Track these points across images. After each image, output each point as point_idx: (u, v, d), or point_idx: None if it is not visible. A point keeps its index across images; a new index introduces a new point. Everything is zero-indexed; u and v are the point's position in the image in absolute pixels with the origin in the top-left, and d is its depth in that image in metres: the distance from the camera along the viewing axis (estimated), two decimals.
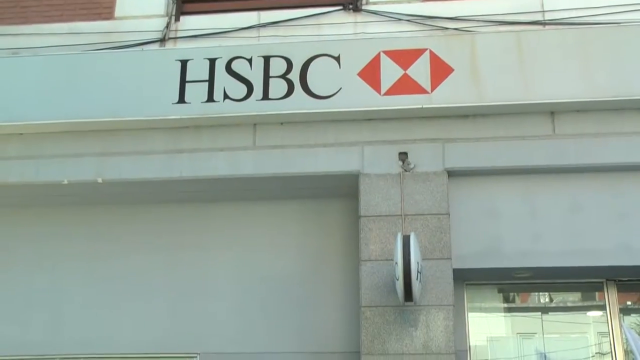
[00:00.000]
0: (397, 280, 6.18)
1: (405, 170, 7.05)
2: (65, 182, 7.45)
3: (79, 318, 7.55)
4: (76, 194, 7.68)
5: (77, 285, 7.68)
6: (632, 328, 7.31)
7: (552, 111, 7.13)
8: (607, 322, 7.20)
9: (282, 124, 7.36)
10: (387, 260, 6.68)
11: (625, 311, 7.52)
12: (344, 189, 7.32)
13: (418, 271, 6.17)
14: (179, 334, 7.36)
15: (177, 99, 7.36)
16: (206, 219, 7.73)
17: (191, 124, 7.41)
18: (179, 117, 7.33)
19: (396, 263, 6.16)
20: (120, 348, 7.41)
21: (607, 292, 7.26)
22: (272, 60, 7.40)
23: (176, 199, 7.71)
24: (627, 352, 6.94)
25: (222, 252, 7.59)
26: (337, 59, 7.32)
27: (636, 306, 7.78)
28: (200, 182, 7.37)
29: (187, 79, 7.43)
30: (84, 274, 7.70)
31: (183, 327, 7.38)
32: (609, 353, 7.15)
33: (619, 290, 7.29)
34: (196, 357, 7.34)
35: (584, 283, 7.45)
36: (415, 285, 6.16)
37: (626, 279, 7.27)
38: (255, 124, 7.40)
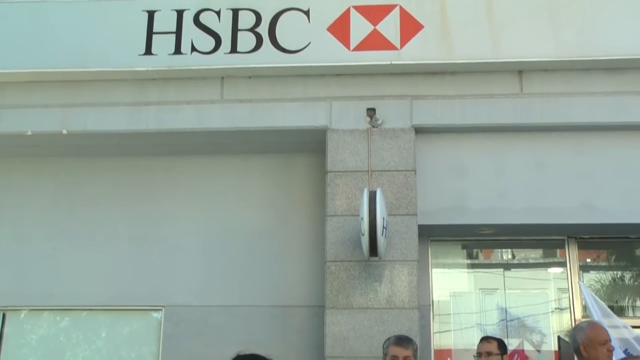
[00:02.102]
0: (363, 235, 6.22)
1: (373, 126, 7.04)
2: (29, 133, 7.34)
3: (44, 270, 7.51)
4: (40, 145, 7.57)
5: (41, 237, 7.62)
6: (591, 285, 7.47)
7: (520, 70, 7.16)
8: (567, 279, 7.35)
9: (250, 77, 7.30)
10: (353, 215, 6.71)
11: (584, 268, 7.68)
12: (312, 144, 7.32)
13: (383, 227, 6.22)
14: (144, 287, 7.36)
15: (143, 51, 7.25)
16: (172, 172, 7.68)
17: (158, 76, 7.31)
18: (145, 68, 7.23)
19: (362, 218, 6.19)
20: (85, 301, 7.40)
21: (568, 249, 7.39)
22: (240, 13, 7.31)
23: (142, 151, 7.64)
24: (585, 308, 7.09)
25: (188, 206, 7.57)
26: (307, 12, 7.24)
27: (595, 263, 7.95)
28: (166, 135, 7.31)
29: (154, 30, 7.30)
30: (48, 226, 7.64)
31: (148, 280, 7.37)
32: (567, 308, 7.31)
33: (579, 248, 7.43)
34: (161, 310, 7.36)
35: (546, 240, 7.58)
36: (381, 241, 6.21)
37: (587, 236, 7.41)
38: (223, 77, 7.33)
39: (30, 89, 7.40)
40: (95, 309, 7.46)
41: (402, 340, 4.99)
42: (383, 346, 5.08)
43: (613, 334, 4.85)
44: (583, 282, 7.17)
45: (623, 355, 4.82)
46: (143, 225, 7.53)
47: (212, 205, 7.54)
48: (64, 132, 7.31)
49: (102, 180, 7.71)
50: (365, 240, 6.21)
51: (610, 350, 4.63)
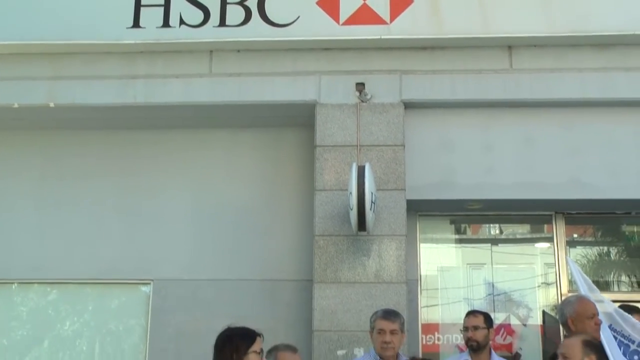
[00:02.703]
0: (351, 209, 6.24)
1: (362, 101, 7.03)
2: (16, 105, 7.29)
3: (32, 243, 7.49)
4: (27, 118, 7.52)
5: (29, 210, 7.59)
6: (577, 260, 7.52)
7: (509, 45, 7.15)
8: (554, 254, 7.40)
9: (239, 51, 7.26)
10: (341, 190, 6.72)
11: (571, 243, 7.72)
12: (300, 119, 7.30)
13: (372, 201, 6.23)
14: (132, 260, 7.37)
15: (131, 23, 7.19)
16: (160, 146, 7.65)
17: (146, 49, 7.26)
18: (133, 42, 7.18)
19: (350, 193, 6.20)
20: (73, 274, 7.40)
21: (556, 224, 7.44)
22: None
23: (130, 125, 7.60)
24: (572, 283, 7.15)
25: (176, 180, 7.55)
26: None
27: (582, 239, 7.99)
28: (154, 108, 7.27)
29: (142, 2, 7.24)
30: (36, 199, 7.61)
31: (136, 254, 7.38)
32: (554, 283, 7.37)
33: (566, 223, 7.48)
34: (150, 283, 7.37)
35: (533, 215, 7.61)
36: (369, 215, 6.22)
37: (574, 212, 7.45)
38: (211, 50, 7.28)
39: (17, 62, 7.34)
40: (84, 282, 7.46)
41: (389, 314, 5.02)
42: (370, 320, 5.11)
43: (599, 308, 4.89)
44: (570, 257, 7.21)
45: (609, 330, 4.87)
46: (131, 199, 7.52)
47: (201, 179, 7.53)
48: (51, 105, 7.26)
49: (89, 154, 7.68)
50: (353, 215, 6.22)
51: (598, 324, 4.66)
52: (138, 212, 7.48)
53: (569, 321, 4.65)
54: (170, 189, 7.52)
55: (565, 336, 4.15)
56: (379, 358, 4.90)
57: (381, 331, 4.88)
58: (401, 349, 5.09)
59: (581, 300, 4.86)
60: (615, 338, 4.86)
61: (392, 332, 4.86)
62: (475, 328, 5.08)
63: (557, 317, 5.41)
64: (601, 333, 4.65)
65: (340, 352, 6.37)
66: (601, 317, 4.82)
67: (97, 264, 7.38)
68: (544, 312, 7.42)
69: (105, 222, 7.49)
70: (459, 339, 6.99)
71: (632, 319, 5.04)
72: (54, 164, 7.68)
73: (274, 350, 4.41)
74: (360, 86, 7.06)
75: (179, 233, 7.41)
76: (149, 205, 7.49)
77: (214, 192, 7.48)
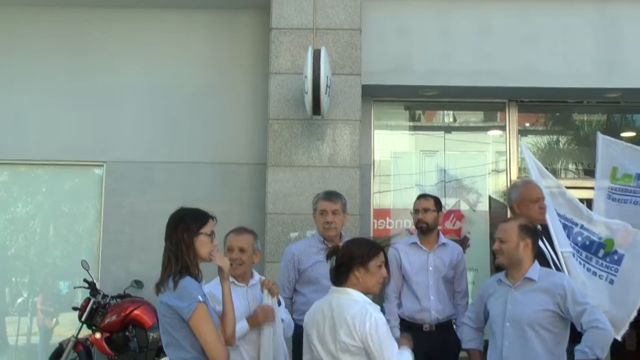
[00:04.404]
0: (306, 93, 6.20)
1: None
2: None
3: None
4: None
5: None
6: (528, 148, 7.64)
7: None
8: (506, 142, 7.51)
9: None
10: (296, 73, 6.64)
11: (523, 132, 7.84)
12: (256, 0, 7.13)
13: (327, 85, 6.19)
14: (85, 142, 7.28)
15: None
16: (113, 25, 7.43)
17: None
18: None
19: (305, 76, 6.14)
20: (24, 154, 7.31)
21: (509, 112, 7.51)
22: None
23: (82, 2, 7.35)
24: (521, 170, 7.29)
25: (129, 60, 7.38)
26: None
27: (534, 127, 8.11)
28: None
29: None
30: None
31: (89, 135, 7.28)
32: (504, 171, 7.51)
33: (519, 111, 7.56)
34: (103, 165, 7.32)
35: (487, 103, 7.67)
36: (324, 100, 6.19)
37: (528, 100, 7.52)
38: None
39: None
40: (35, 164, 7.39)
41: (331, 195, 5.06)
42: (313, 202, 5.14)
43: (547, 192, 4.99)
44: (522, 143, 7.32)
45: (555, 213, 4.99)
46: (83, 79, 7.35)
47: (154, 60, 7.38)
48: None
49: (40, 32, 7.44)
50: (308, 99, 6.19)
51: (543, 208, 4.77)
52: (90, 92, 7.33)
53: (515, 205, 4.76)
54: (123, 70, 7.37)
55: (503, 221, 4.25)
56: (322, 239, 4.97)
57: (323, 212, 4.93)
58: (343, 229, 5.15)
59: (526, 184, 4.96)
60: (561, 220, 5.00)
61: (334, 213, 4.91)
62: (426, 210, 5.15)
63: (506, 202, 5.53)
64: (547, 216, 4.78)
65: (293, 235, 6.46)
66: (549, 201, 4.94)
67: (49, 145, 7.28)
68: (490, 198, 7.58)
69: (55, 101, 7.33)
70: (409, 223, 7.14)
71: (577, 202, 5.17)
72: (3, 42, 7.43)
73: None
74: None
75: (132, 115, 7.31)
76: (102, 86, 7.34)
77: (168, 74, 7.35)
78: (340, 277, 3.40)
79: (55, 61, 7.38)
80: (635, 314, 4.81)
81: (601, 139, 5.74)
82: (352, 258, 3.40)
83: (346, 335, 3.24)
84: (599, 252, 4.98)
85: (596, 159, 5.72)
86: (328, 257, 3.50)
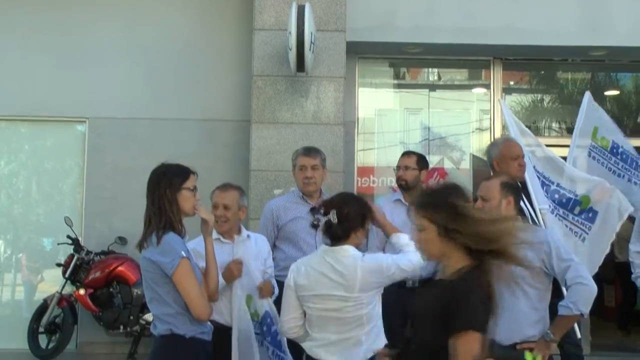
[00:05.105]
0: (290, 50, 6.15)
1: None
2: None
3: None
4: None
5: None
6: (512, 107, 7.66)
7: None
8: (490, 100, 7.51)
9: None
10: (281, 30, 6.58)
11: (507, 90, 7.85)
12: None
13: (311, 42, 6.15)
14: (66, 97, 7.20)
15: None
16: None
17: None
18: None
19: (290, 33, 6.10)
20: (5, 110, 7.22)
21: (493, 70, 7.50)
22: None
23: None
24: (504, 128, 7.30)
25: (109, 14, 7.27)
26: None
27: (518, 86, 8.12)
28: None
29: None
30: None
31: (70, 91, 7.20)
32: (488, 129, 7.53)
33: (504, 69, 7.55)
34: (85, 122, 7.27)
35: (472, 61, 7.66)
36: (308, 56, 6.16)
37: (512, 58, 7.51)
38: None
39: None
40: (16, 119, 7.32)
41: (310, 150, 5.02)
42: (292, 158, 5.09)
43: (527, 150, 5.00)
44: (504, 101, 7.32)
45: (534, 171, 5.00)
46: (63, 33, 7.24)
47: (136, 15, 7.27)
48: None
49: None
50: (292, 55, 6.15)
51: (522, 166, 4.77)
52: (71, 47, 7.24)
53: (494, 162, 4.76)
54: (104, 24, 7.26)
55: (485, 179, 4.24)
56: (301, 194, 4.95)
57: (302, 167, 4.89)
58: (324, 184, 5.14)
59: (506, 142, 4.96)
60: (539, 178, 5.03)
61: (313, 168, 4.87)
62: (406, 168, 5.13)
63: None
64: (526, 174, 4.80)
65: (276, 191, 6.47)
66: (529, 158, 4.95)
67: (31, 101, 7.19)
68: (472, 156, 7.60)
69: (33, 57, 7.22)
70: (393, 181, 7.14)
71: (557, 159, 5.20)
72: None
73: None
74: None
75: (115, 70, 7.24)
76: (83, 41, 7.24)
77: (150, 29, 7.27)
78: (340, 237, 3.40)
79: (34, 14, 7.26)
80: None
81: (588, 97, 5.74)
82: (354, 219, 3.41)
83: (362, 286, 3.30)
84: (574, 209, 5.03)
85: (579, 116, 5.73)
86: (322, 215, 3.46)
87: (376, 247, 5.13)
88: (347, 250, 3.36)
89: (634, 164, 5.65)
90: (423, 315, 2.67)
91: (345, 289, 3.30)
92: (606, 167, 5.66)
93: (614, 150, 5.68)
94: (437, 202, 2.72)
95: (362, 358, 3.36)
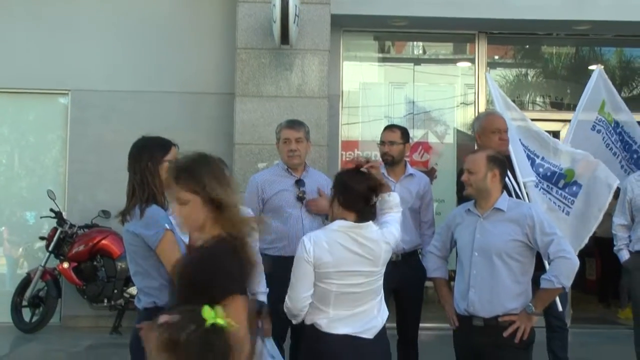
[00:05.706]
0: (274, 22, 6.11)
1: None
2: None
3: None
4: None
5: None
6: (497, 81, 7.65)
7: None
8: (475, 74, 7.51)
9: None
10: (264, 2, 6.52)
11: (492, 64, 7.84)
12: None
13: (296, 14, 6.11)
14: (48, 69, 7.12)
15: None
16: None
17: None
18: None
19: (274, 5, 6.06)
20: None
21: (478, 44, 7.48)
22: None
23: None
24: (489, 102, 7.31)
25: None
26: None
27: (503, 60, 8.11)
28: None
29: None
30: None
31: (52, 63, 7.13)
32: (472, 103, 7.53)
33: (489, 43, 7.53)
34: (67, 94, 7.21)
35: (457, 34, 7.64)
36: (292, 29, 6.12)
37: (497, 32, 7.49)
38: None
39: None
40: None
41: (294, 123, 4.98)
42: (276, 132, 5.07)
43: (513, 123, 5.00)
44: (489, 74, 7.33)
45: (520, 144, 5.00)
46: (42, 5, 7.15)
47: None
48: None
49: None
50: (276, 28, 6.11)
51: (504, 140, 4.76)
52: (53, 19, 7.16)
53: (477, 135, 4.77)
54: None
55: (471, 152, 4.23)
56: (286, 167, 4.93)
57: (287, 140, 4.86)
58: (308, 158, 5.11)
59: (488, 115, 4.96)
60: (525, 151, 5.04)
61: (297, 141, 4.84)
62: (392, 143, 5.10)
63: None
64: (510, 146, 4.80)
65: (260, 165, 6.46)
66: (514, 132, 4.95)
67: (11, 72, 7.11)
68: (456, 130, 7.61)
69: (18, 29, 7.14)
70: (378, 155, 7.13)
71: (542, 133, 5.20)
72: None
73: None
74: None
75: (96, 43, 7.16)
76: (64, 12, 7.16)
77: (133, 0, 7.17)
78: (373, 218, 3.41)
79: None
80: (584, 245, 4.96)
81: (598, 72, 5.72)
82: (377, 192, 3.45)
83: (384, 260, 3.38)
84: (559, 182, 5.04)
85: (585, 90, 5.68)
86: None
87: None
88: (373, 226, 3.38)
89: (628, 147, 5.68)
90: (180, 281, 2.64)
91: (371, 264, 3.34)
92: (605, 142, 5.68)
93: (617, 130, 5.71)
94: (199, 172, 2.70)
95: (379, 327, 3.38)
